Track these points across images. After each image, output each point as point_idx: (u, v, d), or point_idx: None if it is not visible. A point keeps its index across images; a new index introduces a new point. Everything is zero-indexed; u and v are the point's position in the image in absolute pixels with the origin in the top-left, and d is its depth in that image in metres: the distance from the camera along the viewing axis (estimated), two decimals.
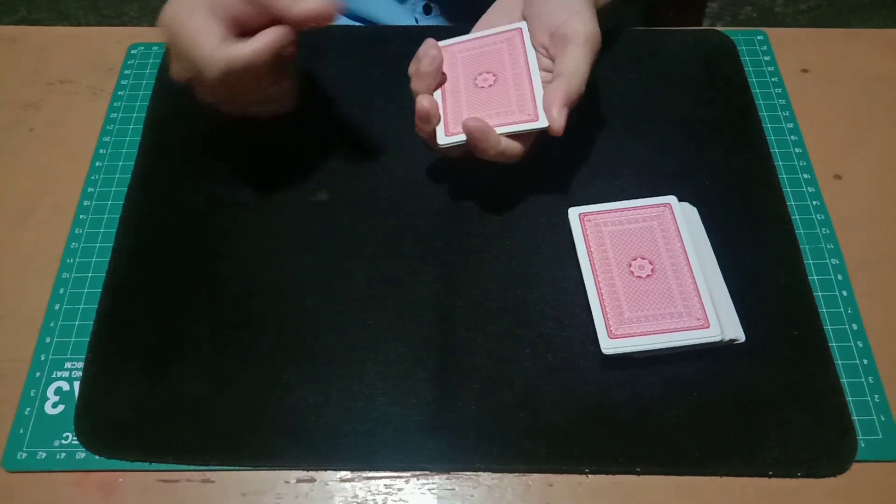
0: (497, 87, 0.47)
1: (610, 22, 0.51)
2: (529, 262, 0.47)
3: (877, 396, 0.42)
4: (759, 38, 0.58)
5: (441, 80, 0.48)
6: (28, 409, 0.42)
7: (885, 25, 1.39)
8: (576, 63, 0.45)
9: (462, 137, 0.44)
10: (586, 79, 0.45)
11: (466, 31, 0.51)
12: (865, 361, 0.43)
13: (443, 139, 0.45)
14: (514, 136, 0.45)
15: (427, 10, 0.64)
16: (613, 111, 0.53)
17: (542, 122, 0.44)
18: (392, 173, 0.50)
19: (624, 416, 0.41)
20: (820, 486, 0.40)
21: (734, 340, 0.43)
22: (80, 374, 0.43)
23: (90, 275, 0.47)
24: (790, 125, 0.53)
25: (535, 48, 0.48)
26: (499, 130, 0.44)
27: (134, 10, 1.44)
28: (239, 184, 0.50)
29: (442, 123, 0.46)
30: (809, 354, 0.43)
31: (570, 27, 0.45)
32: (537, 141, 0.46)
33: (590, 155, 0.51)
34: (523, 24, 0.49)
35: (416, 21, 0.64)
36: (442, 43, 0.49)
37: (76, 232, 0.49)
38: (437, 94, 0.47)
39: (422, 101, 0.45)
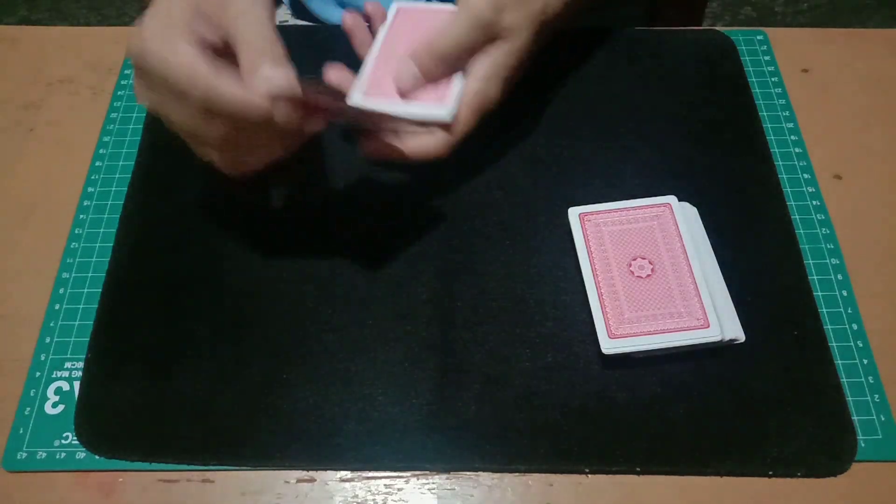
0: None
1: (567, 23, 0.50)
2: (529, 262, 0.47)
3: (877, 396, 0.42)
4: (759, 38, 0.58)
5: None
6: (28, 409, 0.42)
7: (885, 25, 1.39)
8: (494, 67, 0.45)
9: (378, 105, 0.44)
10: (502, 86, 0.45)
11: None
12: (865, 361, 0.43)
13: (358, 99, 0.45)
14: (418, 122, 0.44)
15: None
16: (613, 111, 0.53)
17: (446, 115, 0.44)
18: (392, 173, 0.50)
19: (624, 416, 0.41)
20: (820, 486, 0.40)
21: (734, 340, 0.43)
22: (80, 374, 0.43)
23: (90, 275, 0.47)
24: (790, 125, 0.53)
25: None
26: (402, 109, 0.44)
27: (134, 10, 1.44)
28: (239, 184, 0.50)
29: (363, 81, 0.45)
30: (809, 354, 0.43)
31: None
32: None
33: (590, 155, 0.51)
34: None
35: None
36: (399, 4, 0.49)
37: (76, 232, 0.49)
38: (372, 55, 0.47)
39: (345, 17, 0.44)
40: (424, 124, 0.44)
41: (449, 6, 0.48)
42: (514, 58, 0.45)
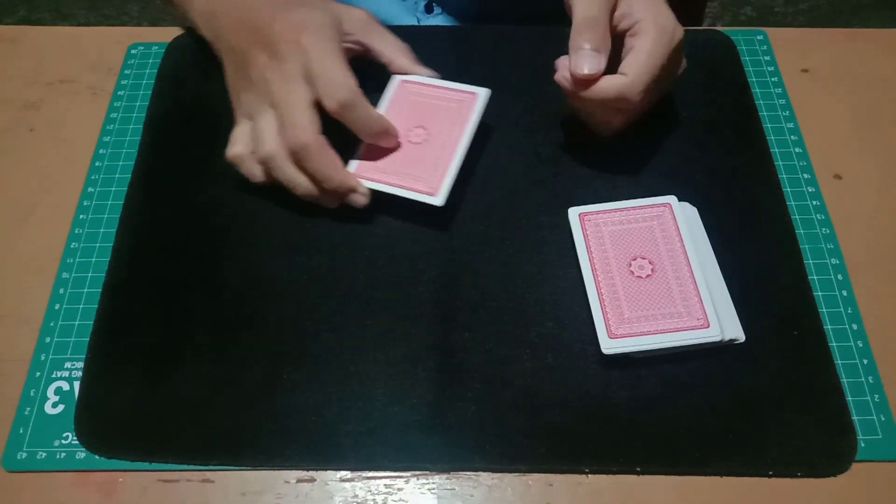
0: (427, 144, 0.47)
1: None
2: (529, 262, 0.47)
3: (877, 396, 0.42)
4: (759, 38, 0.58)
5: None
6: (28, 409, 0.42)
7: (885, 25, 1.39)
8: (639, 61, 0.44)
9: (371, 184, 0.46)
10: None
11: (469, 32, 0.51)
12: (865, 361, 0.43)
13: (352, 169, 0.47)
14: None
15: (429, 9, 0.64)
16: None
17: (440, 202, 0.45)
18: None
19: (624, 416, 0.41)
20: (820, 486, 0.40)
21: (734, 340, 0.43)
22: (80, 374, 0.43)
23: (90, 275, 0.47)
24: (790, 125, 0.53)
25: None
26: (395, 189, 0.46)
27: (134, 10, 1.44)
28: (239, 184, 0.50)
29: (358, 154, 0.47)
30: (809, 354, 0.43)
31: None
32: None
33: (590, 155, 0.51)
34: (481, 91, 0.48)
35: (418, 21, 0.64)
36: (402, 78, 0.50)
37: (76, 232, 0.49)
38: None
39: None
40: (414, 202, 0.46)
41: (452, 83, 0.49)
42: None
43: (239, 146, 0.47)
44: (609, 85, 0.44)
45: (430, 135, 0.47)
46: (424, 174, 0.46)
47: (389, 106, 0.49)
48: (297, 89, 0.44)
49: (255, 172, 0.47)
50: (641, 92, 0.44)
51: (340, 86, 0.44)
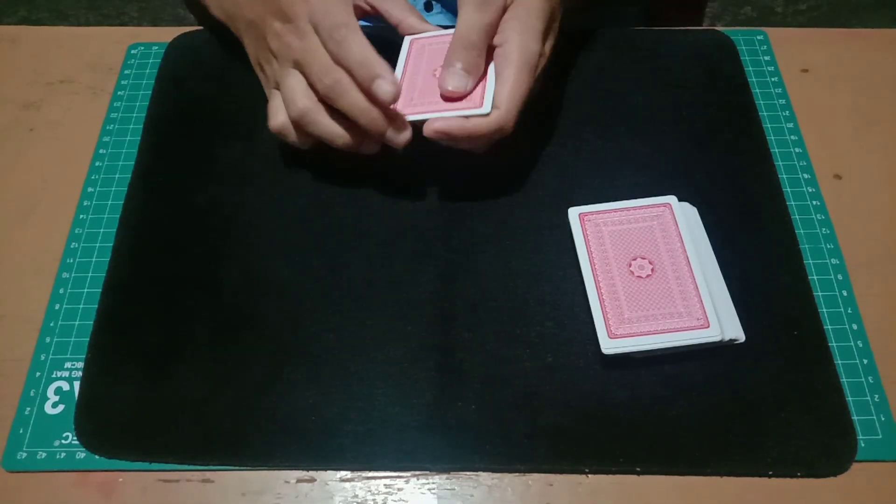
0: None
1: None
2: (529, 262, 0.47)
3: (877, 396, 0.42)
4: (759, 38, 0.58)
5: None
6: (28, 409, 0.42)
7: (885, 25, 1.39)
8: (521, 23, 0.45)
9: (411, 118, 0.45)
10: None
11: None
12: (865, 361, 0.43)
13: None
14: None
15: (428, 7, 0.64)
16: (613, 111, 0.53)
17: (486, 110, 0.44)
18: (391, 173, 0.50)
19: (624, 416, 0.41)
20: (820, 486, 0.40)
21: (734, 340, 0.43)
22: (80, 374, 0.43)
23: (90, 275, 0.47)
24: (790, 125, 0.53)
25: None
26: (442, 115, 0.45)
27: (134, 10, 1.44)
28: (239, 184, 0.50)
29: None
30: (809, 354, 0.43)
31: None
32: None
33: (590, 155, 0.51)
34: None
35: None
36: (414, 36, 0.49)
37: (76, 232, 0.49)
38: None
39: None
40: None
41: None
42: (533, 9, 0.45)
43: (280, 115, 0.47)
44: (487, 123, 0.44)
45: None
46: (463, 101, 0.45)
47: (409, 61, 0.48)
48: (316, 40, 0.44)
49: (300, 138, 0.47)
50: (515, 117, 0.45)
51: (338, 25, 0.43)
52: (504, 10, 0.45)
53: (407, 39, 0.50)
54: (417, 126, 0.45)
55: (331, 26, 0.43)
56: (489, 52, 0.46)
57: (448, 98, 0.45)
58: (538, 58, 0.45)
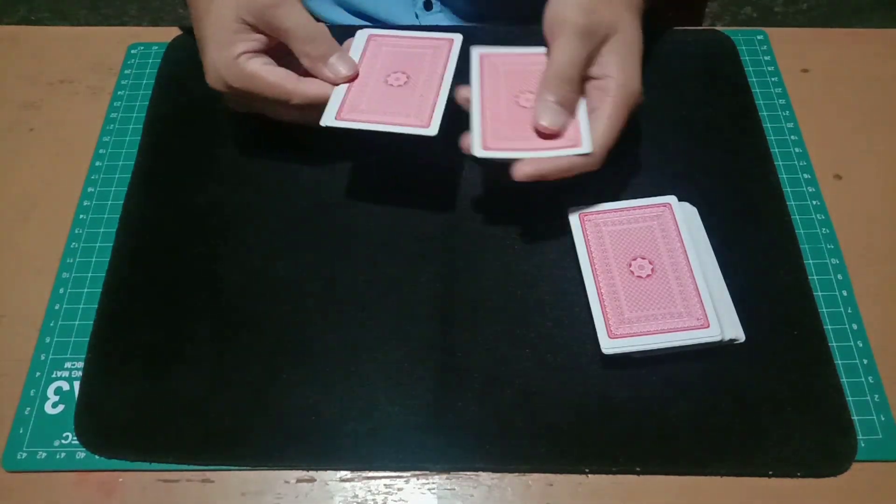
0: (409, 85, 0.46)
1: None
2: (529, 262, 0.47)
3: (877, 396, 0.42)
4: (759, 38, 0.58)
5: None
6: (28, 409, 0.42)
7: (885, 25, 1.39)
8: (622, 60, 0.44)
9: (502, 154, 0.44)
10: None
11: (468, 31, 0.51)
12: (865, 361, 0.43)
13: (480, 152, 0.44)
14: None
15: (428, 6, 0.64)
16: None
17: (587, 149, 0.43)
18: (392, 173, 0.50)
19: (624, 416, 0.41)
20: (820, 486, 0.40)
21: (734, 340, 0.43)
22: (80, 374, 0.43)
23: (90, 275, 0.47)
24: (790, 125, 0.53)
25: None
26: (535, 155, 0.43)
27: (134, 10, 1.44)
28: (239, 184, 0.50)
29: (479, 134, 0.44)
30: (809, 354, 0.43)
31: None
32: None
33: None
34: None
35: (417, 18, 0.64)
36: (371, 31, 0.49)
37: (76, 232, 0.49)
38: (475, 106, 0.46)
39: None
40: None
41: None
42: (633, 45, 0.45)
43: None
44: (584, 163, 0.43)
45: (411, 77, 0.47)
46: (412, 110, 0.45)
47: (363, 59, 0.48)
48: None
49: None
50: (603, 157, 0.44)
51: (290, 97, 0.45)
52: (604, 41, 0.45)
53: (475, 53, 0.49)
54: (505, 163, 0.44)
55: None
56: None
57: (542, 134, 0.44)
58: (638, 97, 0.45)
